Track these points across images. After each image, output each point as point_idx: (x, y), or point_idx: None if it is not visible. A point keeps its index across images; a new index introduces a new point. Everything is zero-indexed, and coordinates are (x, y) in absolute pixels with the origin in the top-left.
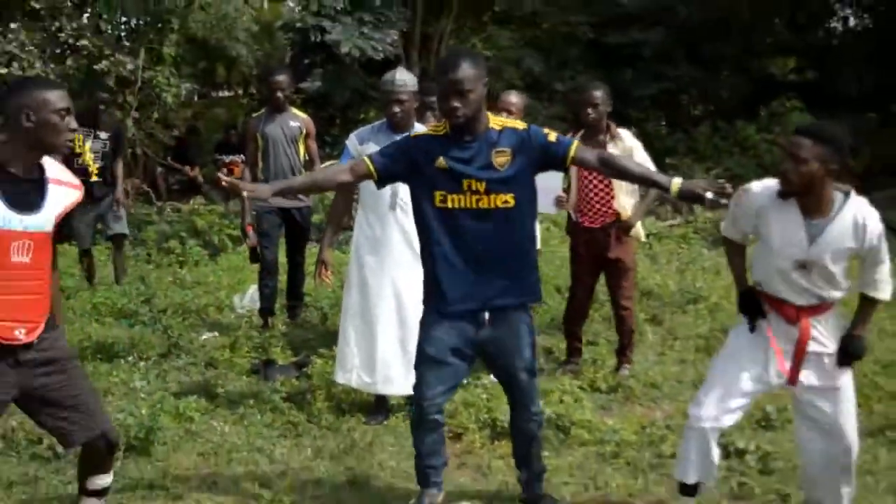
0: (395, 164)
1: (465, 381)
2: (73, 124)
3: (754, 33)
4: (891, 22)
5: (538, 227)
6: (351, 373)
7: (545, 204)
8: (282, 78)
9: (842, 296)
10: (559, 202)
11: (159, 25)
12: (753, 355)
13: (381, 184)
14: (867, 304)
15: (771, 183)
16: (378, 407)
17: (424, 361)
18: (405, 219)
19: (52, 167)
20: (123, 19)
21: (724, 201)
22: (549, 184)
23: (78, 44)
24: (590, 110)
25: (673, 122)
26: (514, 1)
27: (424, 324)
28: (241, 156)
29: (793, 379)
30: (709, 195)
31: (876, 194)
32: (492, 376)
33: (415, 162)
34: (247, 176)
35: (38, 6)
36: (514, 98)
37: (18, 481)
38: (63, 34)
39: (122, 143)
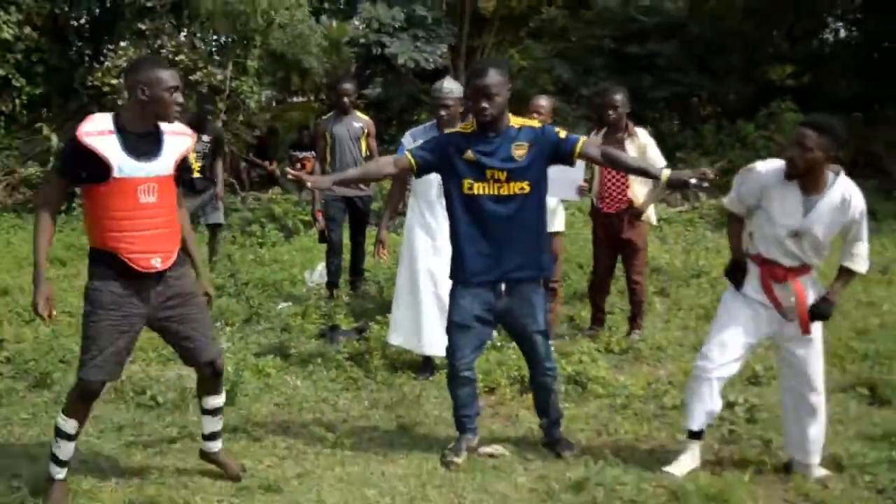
0: (431, 158)
1: (499, 344)
2: (180, 99)
3: (756, 45)
4: (875, 34)
5: (563, 212)
6: (401, 336)
7: (569, 192)
8: (348, 86)
9: (819, 263)
10: (581, 191)
11: (245, 42)
12: (746, 313)
13: (419, 174)
14: (845, 275)
15: (773, 163)
16: (425, 365)
17: (453, 328)
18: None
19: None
20: (214, 37)
21: (705, 185)
22: (572, 175)
23: (176, 58)
24: (611, 112)
25: (684, 122)
26: (546, 18)
27: (453, 296)
28: (312, 152)
29: (806, 327)
30: (692, 180)
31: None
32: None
33: (447, 155)
34: (317, 169)
35: (143, 27)
36: (542, 101)
37: (127, 425)
38: (164, 50)
39: (221, 146)
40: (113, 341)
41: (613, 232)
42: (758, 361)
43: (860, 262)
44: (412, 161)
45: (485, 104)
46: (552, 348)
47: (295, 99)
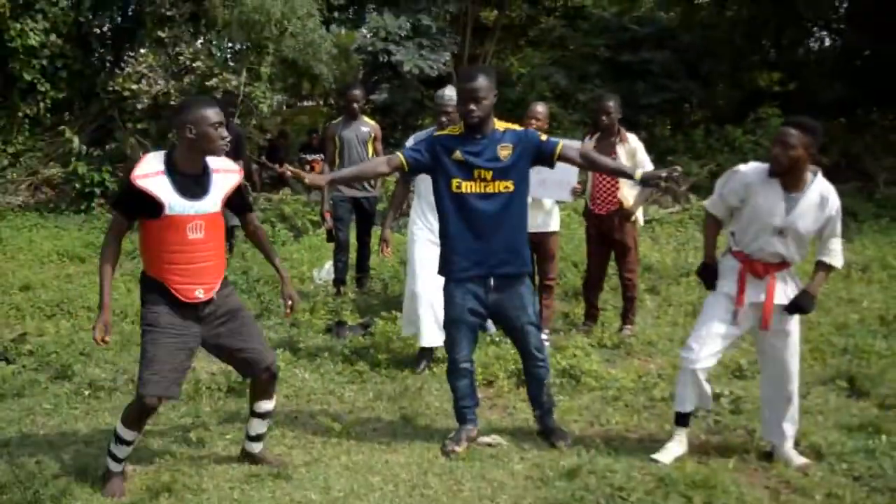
0: (422, 158)
1: (497, 339)
2: (225, 133)
3: (744, 52)
4: (856, 42)
5: (558, 213)
6: (412, 326)
7: (564, 194)
8: (357, 92)
9: (800, 260)
10: (575, 192)
11: (258, 49)
12: (725, 310)
13: (411, 173)
14: (822, 269)
15: (756, 164)
16: (420, 357)
17: (450, 323)
18: None
19: (214, 160)
20: (229, 45)
21: (676, 174)
22: (566, 178)
23: (193, 65)
24: (604, 117)
25: (675, 126)
26: (545, 28)
27: (446, 293)
28: (321, 155)
29: (766, 323)
30: (663, 174)
31: (843, 186)
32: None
33: (437, 156)
34: (326, 171)
35: (163, 35)
36: (540, 108)
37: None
38: (182, 57)
39: (242, 147)
40: (171, 359)
41: (605, 232)
42: (742, 356)
43: (836, 256)
44: (404, 161)
45: (472, 106)
46: (547, 343)
47: (305, 103)
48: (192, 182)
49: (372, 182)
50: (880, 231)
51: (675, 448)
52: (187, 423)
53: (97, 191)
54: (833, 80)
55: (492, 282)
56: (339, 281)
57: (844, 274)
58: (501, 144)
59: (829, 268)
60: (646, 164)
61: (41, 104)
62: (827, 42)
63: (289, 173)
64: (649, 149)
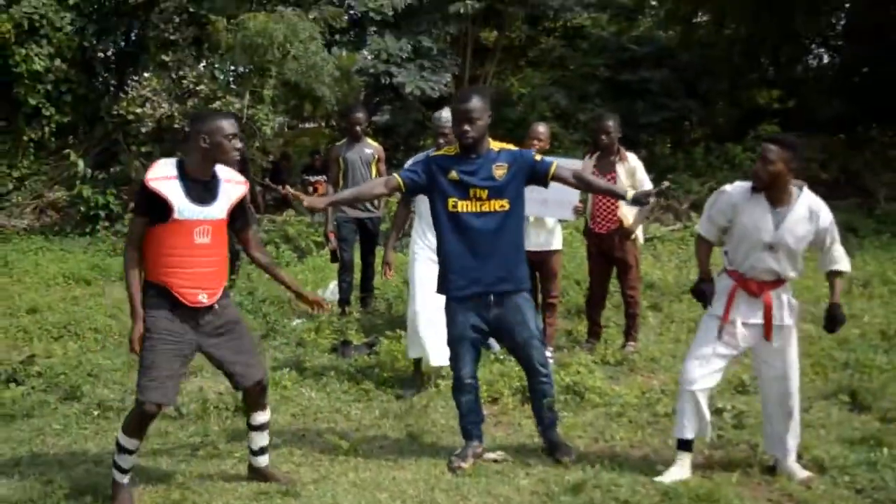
0: (418, 178)
1: (501, 357)
2: (238, 144)
3: (743, 71)
4: (854, 60)
5: (561, 232)
6: (417, 347)
7: (566, 213)
8: (360, 115)
9: (795, 276)
10: (577, 211)
11: (261, 72)
12: (717, 330)
13: (408, 194)
14: (835, 278)
15: (740, 184)
16: (413, 381)
17: (453, 340)
18: None
19: (223, 170)
20: (232, 68)
21: (664, 186)
22: (568, 197)
23: (197, 88)
24: (604, 136)
25: (675, 145)
26: (545, 48)
27: (448, 311)
28: (324, 176)
29: (769, 335)
30: (652, 191)
31: (843, 202)
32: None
33: (433, 176)
34: (330, 192)
35: (166, 59)
36: (541, 129)
37: (153, 434)
38: (185, 80)
39: (247, 171)
40: (169, 365)
41: (606, 250)
42: (745, 371)
43: (843, 261)
44: (401, 182)
45: (467, 127)
46: (551, 360)
47: (306, 125)
48: (201, 188)
49: (375, 202)
50: (881, 247)
51: (677, 472)
52: (196, 441)
53: (102, 213)
54: (832, 97)
55: (491, 299)
56: (343, 301)
57: (846, 290)
58: (496, 164)
59: (840, 274)
60: (645, 183)
61: (46, 128)
62: (825, 59)
63: (291, 194)
64: (650, 167)
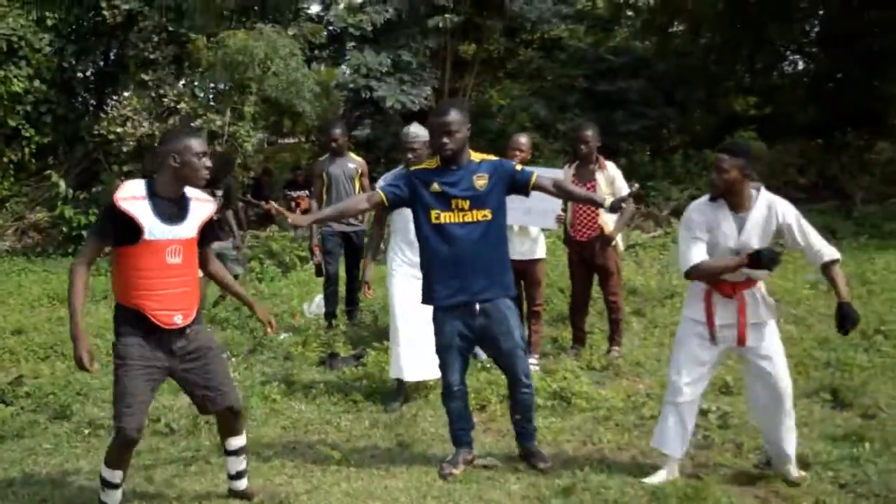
0: (400, 192)
1: (488, 366)
2: (208, 163)
3: (719, 79)
4: (828, 66)
5: (544, 240)
6: (398, 367)
7: (548, 222)
8: (336, 131)
9: (765, 276)
10: (559, 220)
11: (242, 89)
12: (695, 335)
13: (391, 208)
14: (830, 270)
15: (698, 200)
16: (396, 394)
17: (441, 349)
18: None
19: (191, 189)
20: (213, 85)
21: (635, 189)
22: (551, 206)
23: (178, 106)
24: (582, 146)
25: (654, 152)
26: (523, 60)
27: (435, 321)
28: (306, 191)
29: (742, 340)
30: (625, 196)
31: (821, 205)
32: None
33: (415, 189)
34: (314, 207)
35: (146, 78)
36: (523, 139)
37: (144, 450)
38: (166, 99)
39: (232, 196)
40: (143, 391)
41: (587, 258)
42: (729, 372)
43: (828, 250)
44: (383, 197)
45: (445, 140)
46: (537, 368)
47: (286, 140)
48: (171, 207)
49: (360, 216)
50: (859, 248)
51: (665, 473)
52: (188, 456)
53: (84, 234)
54: (807, 103)
55: (476, 307)
56: (330, 314)
57: (826, 290)
58: (477, 174)
59: (833, 264)
60: (624, 191)
61: (26, 149)
62: (800, 66)
63: (274, 210)
64: (630, 175)
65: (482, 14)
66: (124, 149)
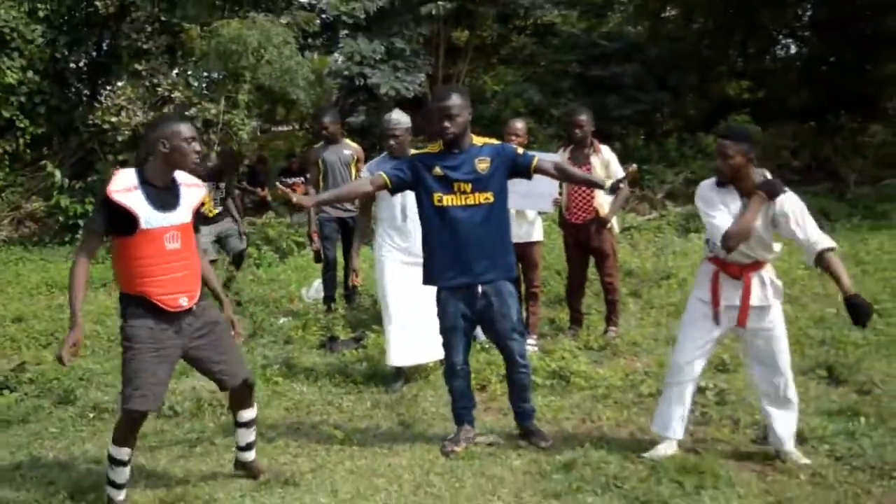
0: (404, 175)
1: (487, 346)
2: (198, 148)
3: (712, 63)
4: (821, 49)
5: (541, 223)
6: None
7: (545, 205)
8: (327, 119)
9: (773, 258)
10: (556, 203)
11: (236, 78)
12: (701, 315)
13: (394, 191)
14: (828, 260)
15: (706, 181)
16: (396, 376)
17: (445, 330)
18: (413, 225)
19: (181, 175)
20: (206, 74)
21: (632, 167)
22: (548, 189)
23: (172, 95)
24: (577, 130)
25: (648, 136)
26: (516, 46)
27: (438, 302)
28: (301, 178)
29: (742, 321)
30: (623, 176)
31: (815, 187)
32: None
33: (418, 173)
34: (311, 194)
35: (140, 67)
36: (519, 125)
37: (150, 433)
38: (160, 88)
39: (232, 186)
40: (154, 372)
41: (583, 240)
42: (725, 350)
43: (823, 238)
44: (387, 180)
45: (446, 123)
46: (535, 349)
47: (279, 128)
48: (164, 194)
49: (356, 201)
50: (852, 229)
51: (664, 448)
52: (192, 438)
53: (80, 223)
54: (800, 87)
55: (479, 289)
56: (328, 298)
57: (820, 271)
58: (479, 158)
59: (829, 252)
60: (619, 174)
61: (20, 140)
62: (792, 49)
63: (280, 192)
64: (624, 159)
65: (475, 1)
66: (119, 138)
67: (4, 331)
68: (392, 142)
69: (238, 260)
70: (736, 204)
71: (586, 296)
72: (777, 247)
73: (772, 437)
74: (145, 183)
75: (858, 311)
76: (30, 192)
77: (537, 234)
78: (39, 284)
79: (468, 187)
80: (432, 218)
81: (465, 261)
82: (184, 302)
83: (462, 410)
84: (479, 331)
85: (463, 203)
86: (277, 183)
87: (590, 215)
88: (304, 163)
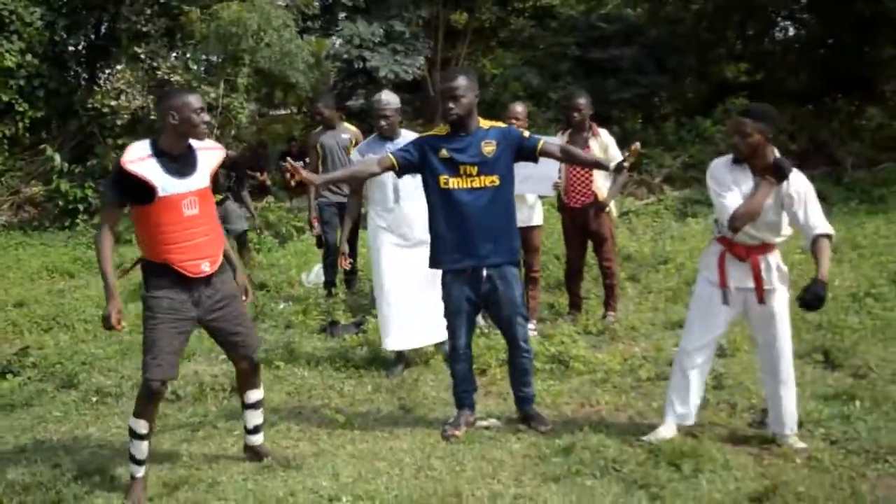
0: (411, 157)
1: (486, 331)
2: (206, 118)
3: (711, 46)
4: (820, 32)
5: (541, 207)
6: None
7: (546, 189)
8: (321, 105)
9: (781, 241)
10: (556, 187)
11: (235, 61)
12: (709, 297)
13: (400, 173)
14: (820, 243)
15: (719, 159)
16: (396, 361)
17: (450, 313)
18: (406, 207)
19: (196, 141)
20: (205, 57)
21: (636, 146)
22: (548, 173)
23: (171, 78)
24: (575, 114)
25: (647, 120)
26: (515, 29)
27: (443, 285)
28: (301, 162)
29: (761, 298)
30: (626, 156)
31: (812, 171)
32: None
33: (425, 155)
34: None
35: (139, 51)
36: (519, 108)
37: None
38: (159, 72)
39: (244, 172)
40: (170, 342)
41: (581, 224)
42: (722, 336)
43: (824, 223)
44: (395, 161)
45: (451, 104)
46: (535, 333)
47: (278, 112)
48: (179, 162)
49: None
50: (849, 213)
51: (663, 432)
52: (195, 422)
53: (81, 207)
54: (798, 69)
55: (484, 272)
56: (329, 283)
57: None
58: (485, 141)
59: (824, 238)
60: (618, 157)
61: (20, 124)
62: (791, 32)
63: (289, 167)
64: (622, 142)
65: None
66: (118, 122)
67: (6, 315)
68: (382, 122)
69: (241, 243)
70: (748, 183)
71: (585, 280)
72: (787, 230)
73: (773, 420)
74: (160, 153)
75: (815, 296)
76: (29, 176)
77: (537, 219)
78: (40, 269)
79: (474, 170)
80: (438, 200)
81: (470, 244)
82: (206, 267)
83: (463, 394)
84: (478, 316)
85: (469, 186)
86: (287, 159)
87: (588, 199)
88: (304, 147)
